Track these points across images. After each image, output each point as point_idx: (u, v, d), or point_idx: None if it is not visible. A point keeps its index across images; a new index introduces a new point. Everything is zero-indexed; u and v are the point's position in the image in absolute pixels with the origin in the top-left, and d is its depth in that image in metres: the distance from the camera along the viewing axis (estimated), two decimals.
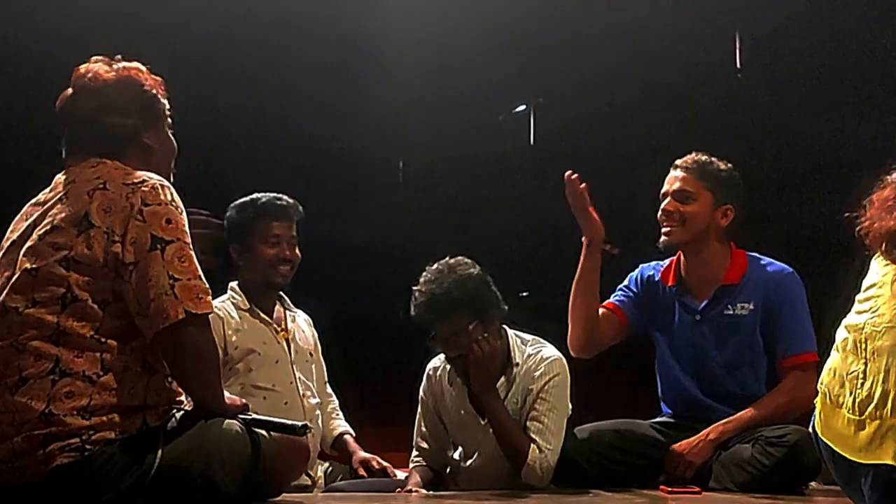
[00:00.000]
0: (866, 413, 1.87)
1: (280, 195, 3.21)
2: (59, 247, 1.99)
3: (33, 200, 2.17)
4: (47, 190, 2.17)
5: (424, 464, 3.12)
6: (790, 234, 5.72)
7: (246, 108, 6.23)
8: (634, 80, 6.28)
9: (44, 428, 1.89)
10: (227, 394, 2.20)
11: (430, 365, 3.16)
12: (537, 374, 2.93)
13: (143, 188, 2.02)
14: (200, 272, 2.03)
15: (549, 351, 2.99)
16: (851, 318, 2.01)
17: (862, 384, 1.89)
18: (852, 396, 1.90)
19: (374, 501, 2.77)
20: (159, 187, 2.04)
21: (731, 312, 3.02)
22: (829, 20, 5.51)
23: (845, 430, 1.91)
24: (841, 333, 2.03)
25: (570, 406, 2.96)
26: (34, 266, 1.99)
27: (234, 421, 2.17)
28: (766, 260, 3.09)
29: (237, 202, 3.18)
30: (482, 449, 2.99)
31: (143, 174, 2.07)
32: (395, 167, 8.04)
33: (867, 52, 5.44)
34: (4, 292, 2.01)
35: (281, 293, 3.27)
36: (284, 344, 3.17)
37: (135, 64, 2.24)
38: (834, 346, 2.04)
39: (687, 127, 6.11)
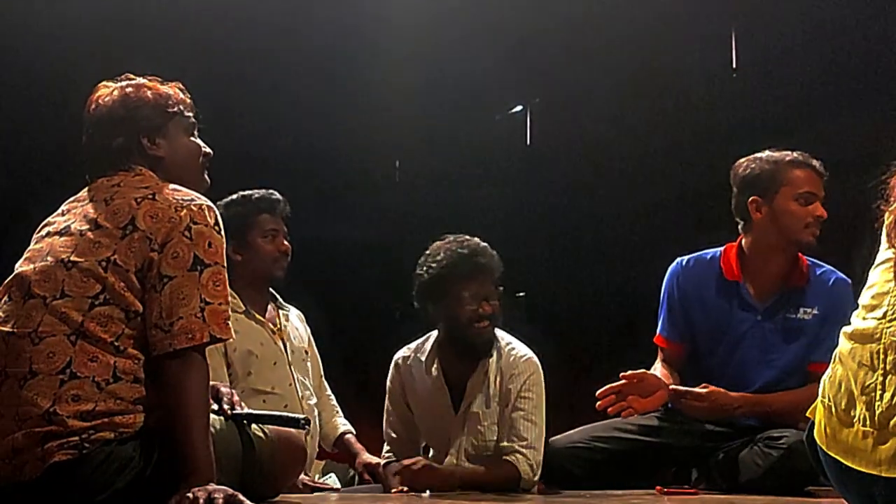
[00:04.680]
0: (889, 427, 1.77)
1: (271, 190, 3.21)
2: (102, 246, 2.00)
3: (70, 199, 2.19)
4: (84, 191, 2.19)
5: (395, 459, 3.10)
6: None
7: (242, 109, 6.22)
8: (631, 80, 6.28)
9: (45, 426, 1.89)
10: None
11: (399, 355, 3.18)
12: (515, 372, 2.97)
13: (192, 206, 2.05)
14: (229, 298, 2.06)
15: (523, 349, 3.04)
16: (858, 324, 1.91)
17: (882, 395, 1.80)
18: (869, 410, 1.81)
19: (373, 501, 2.76)
20: (206, 208, 2.07)
21: (794, 316, 2.99)
22: (826, 19, 5.51)
23: (860, 444, 1.82)
24: (844, 344, 1.92)
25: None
26: (71, 259, 2.00)
27: (220, 418, 2.18)
28: (826, 266, 3.06)
29: (226, 200, 3.18)
30: (455, 448, 2.99)
31: (191, 192, 2.11)
32: (392, 167, 8.04)
33: (864, 50, 5.44)
34: (33, 279, 2.01)
35: (272, 291, 3.26)
36: (281, 344, 3.15)
37: (139, 80, 2.26)
38: (835, 358, 1.95)
39: (683, 127, 6.11)
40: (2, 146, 5.87)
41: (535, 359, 3.02)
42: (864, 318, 1.90)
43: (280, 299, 3.28)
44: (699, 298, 3.10)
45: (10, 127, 5.75)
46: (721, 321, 3.05)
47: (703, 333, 3.09)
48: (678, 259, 3.18)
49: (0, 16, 5.12)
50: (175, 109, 2.25)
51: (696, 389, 2.89)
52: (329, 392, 3.44)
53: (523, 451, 2.88)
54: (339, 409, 3.44)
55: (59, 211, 2.19)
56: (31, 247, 2.13)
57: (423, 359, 3.09)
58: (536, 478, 2.89)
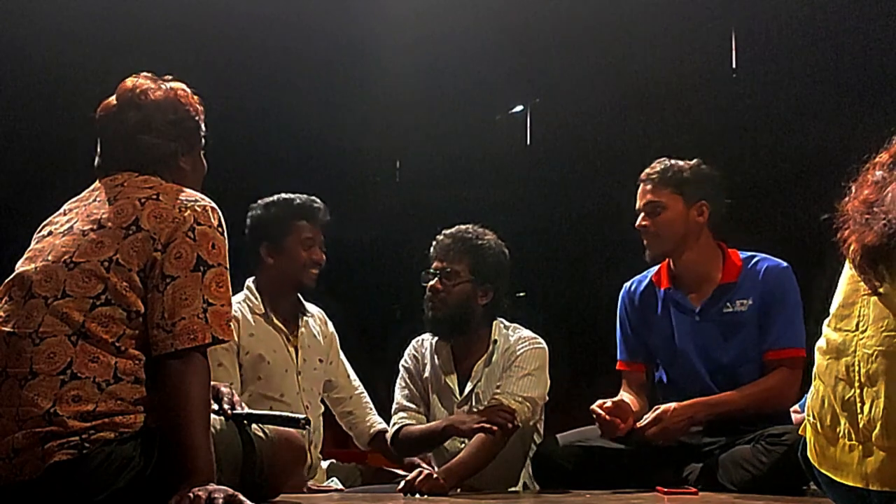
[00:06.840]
0: (872, 439, 1.77)
1: (313, 197, 3.19)
2: (105, 246, 2.01)
3: (71, 200, 2.19)
4: (87, 191, 2.18)
5: (408, 423, 3.11)
6: (784, 233, 5.72)
7: (242, 107, 6.22)
8: (631, 80, 6.28)
9: (45, 426, 1.90)
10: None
11: (418, 338, 3.27)
12: (518, 349, 3.08)
13: (196, 207, 2.06)
14: (231, 299, 2.07)
15: (530, 333, 3.17)
16: (830, 336, 1.90)
17: (861, 408, 1.79)
18: (852, 424, 1.81)
19: (373, 502, 2.77)
20: (210, 210, 2.08)
21: (730, 310, 3.03)
22: (825, 20, 5.51)
23: (847, 458, 1.82)
24: (820, 360, 1.91)
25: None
26: (73, 259, 2.01)
27: (220, 419, 2.18)
28: (760, 256, 3.10)
29: (267, 199, 3.15)
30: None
31: (195, 193, 2.12)
32: (392, 167, 8.04)
33: (862, 52, 5.44)
34: (35, 279, 2.01)
35: (298, 294, 3.24)
36: (293, 352, 3.15)
37: (181, 85, 2.26)
38: (814, 375, 1.93)
39: (683, 127, 6.11)
40: (2, 146, 5.88)
41: (541, 340, 3.14)
42: (835, 329, 1.89)
43: (304, 303, 3.25)
44: (644, 316, 3.18)
45: (11, 127, 5.76)
46: (666, 331, 3.12)
47: (656, 348, 3.17)
48: (625, 284, 3.27)
49: (1, 16, 5.13)
50: (204, 128, 2.28)
51: (650, 416, 2.91)
52: (361, 390, 3.42)
53: (505, 393, 2.97)
54: (372, 406, 3.42)
55: (61, 211, 2.19)
56: (31, 246, 2.14)
57: (435, 343, 3.20)
58: (529, 410, 2.95)
